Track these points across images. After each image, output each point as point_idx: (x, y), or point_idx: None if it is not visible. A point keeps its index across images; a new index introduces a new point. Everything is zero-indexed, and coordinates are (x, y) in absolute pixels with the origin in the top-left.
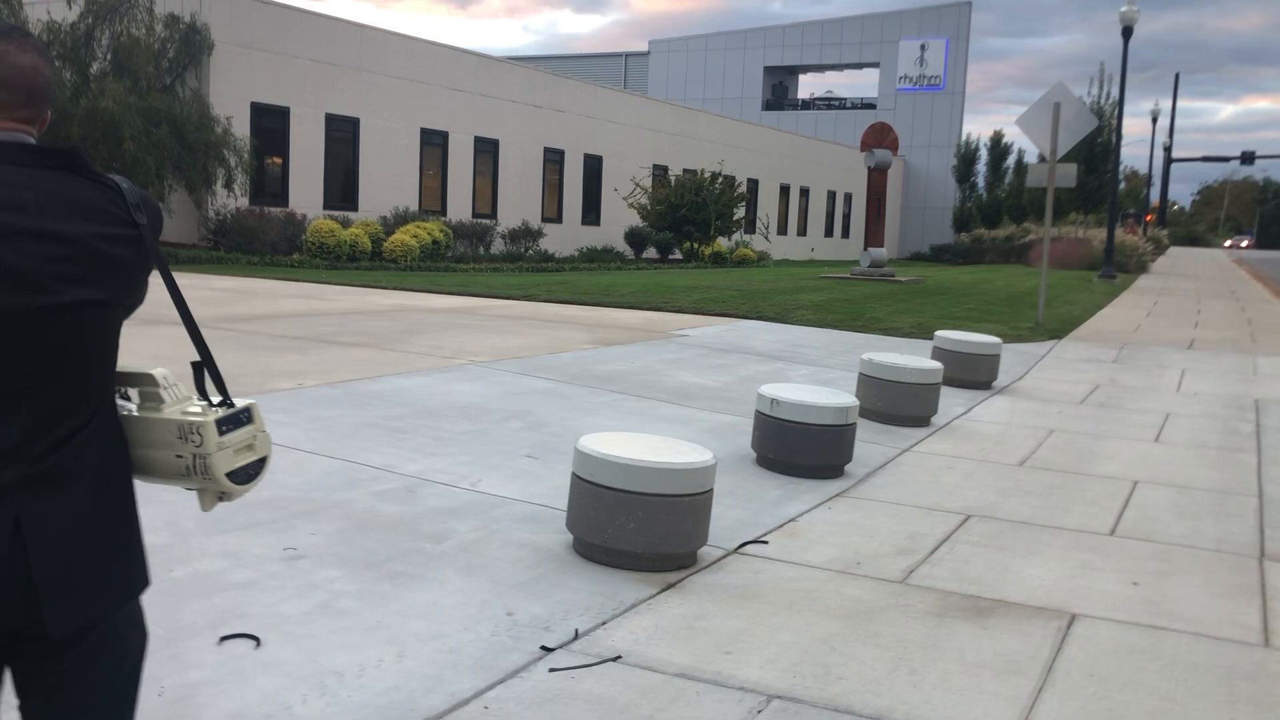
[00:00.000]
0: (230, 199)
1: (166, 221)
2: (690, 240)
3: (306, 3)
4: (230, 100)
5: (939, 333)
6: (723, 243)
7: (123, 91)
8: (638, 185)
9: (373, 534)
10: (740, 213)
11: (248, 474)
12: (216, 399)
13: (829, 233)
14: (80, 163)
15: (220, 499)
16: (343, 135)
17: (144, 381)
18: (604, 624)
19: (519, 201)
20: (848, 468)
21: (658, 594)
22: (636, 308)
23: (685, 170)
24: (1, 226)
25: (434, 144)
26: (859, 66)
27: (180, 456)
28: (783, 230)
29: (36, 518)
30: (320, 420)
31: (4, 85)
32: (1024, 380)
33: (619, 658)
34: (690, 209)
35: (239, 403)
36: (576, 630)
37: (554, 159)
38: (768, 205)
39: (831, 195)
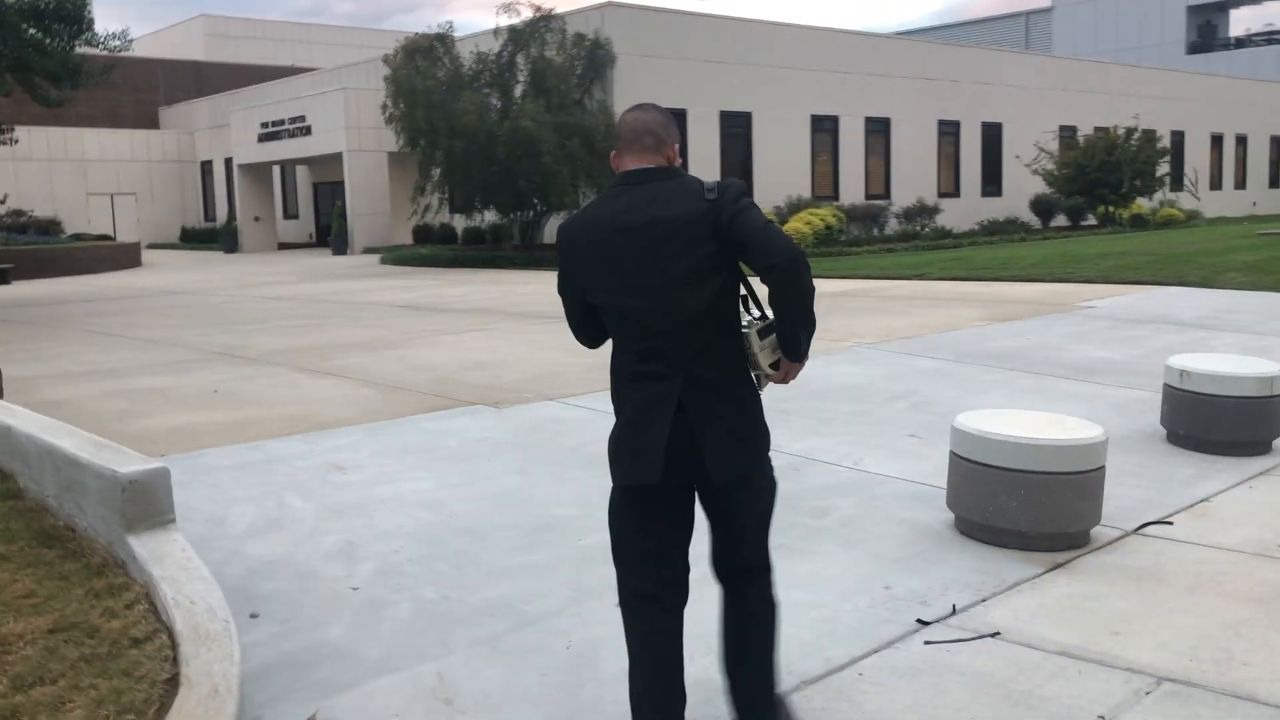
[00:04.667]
0: None
1: None
2: (1104, 204)
3: (698, 4)
4: None
5: None
6: (1143, 204)
7: (539, 110)
8: (1042, 150)
9: None
10: (1162, 169)
11: (776, 366)
12: (757, 314)
13: (1274, 183)
14: (677, 173)
15: (767, 383)
16: (737, 131)
17: None
18: (983, 601)
19: (913, 179)
20: (1276, 443)
21: (1043, 573)
22: (1037, 280)
23: (1096, 129)
24: (634, 225)
25: (824, 129)
26: None
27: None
28: (1216, 185)
29: (693, 402)
30: None
31: (634, 137)
32: None
33: (997, 634)
34: (1102, 169)
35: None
36: (954, 605)
37: (949, 131)
38: (1196, 158)
39: (1275, 141)
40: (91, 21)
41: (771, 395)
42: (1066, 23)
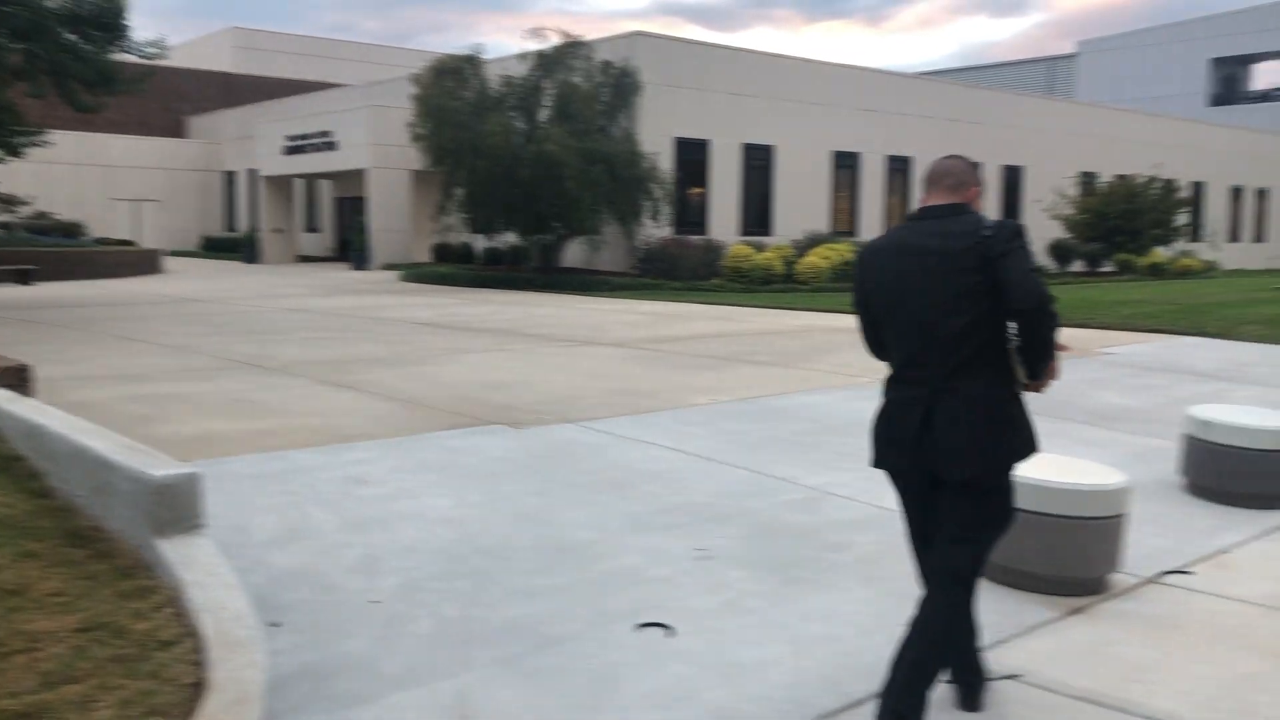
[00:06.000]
0: (656, 229)
1: (600, 252)
2: (1122, 251)
3: (723, 38)
4: (656, 136)
5: None
6: (1161, 253)
7: (564, 135)
8: (1062, 195)
9: (777, 540)
10: (1181, 219)
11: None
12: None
13: None
14: (959, 210)
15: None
16: (758, 163)
17: None
18: (1001, 643)
19: None
20: None
21: (1061, 618)
22: None
23: (1117, 176)
24: (918, 250)
25: (845, 165)
26: None
27: None
28: (1234, 237)
29: (940, 408)
30: (731, 433)
31: (937, 178)
32: None
33: (1016, 676)
34: (1121, 217)
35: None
36: None
37: None
38: (1215, 210)
39: None
40: (129, 29)
41: (791, 428)
42: (1089, 70)
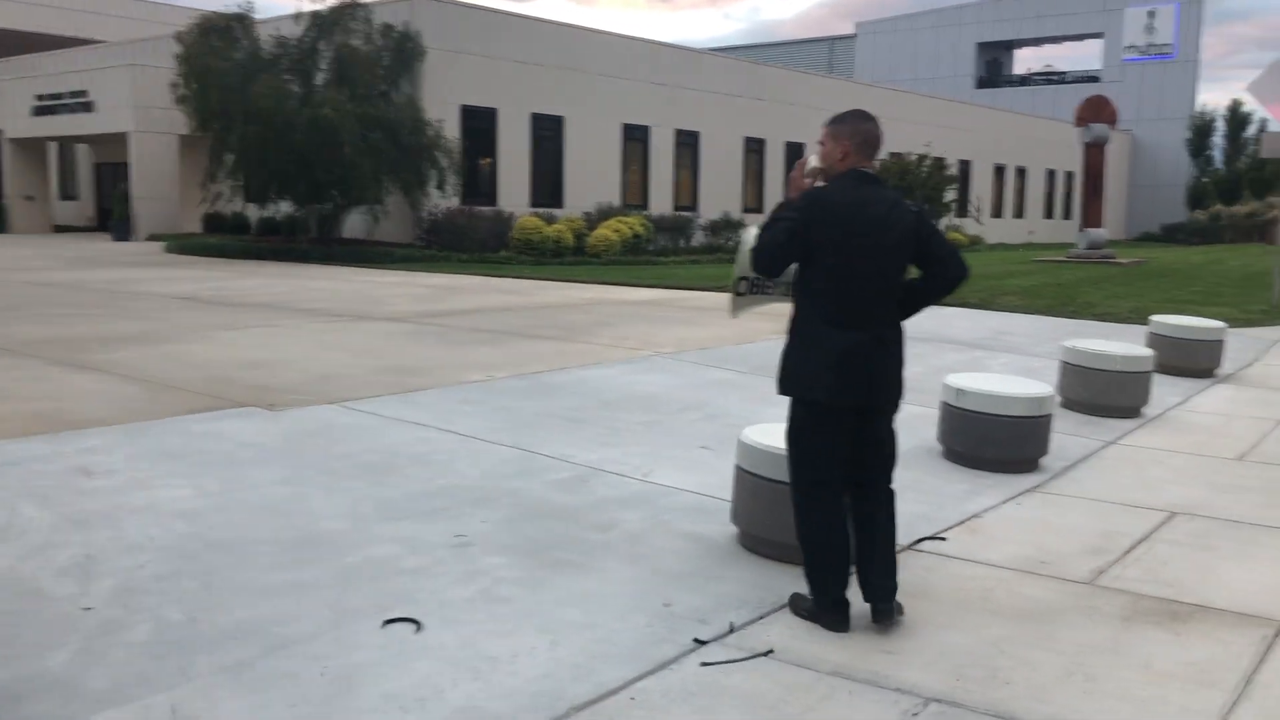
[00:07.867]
0: (442, 199)
1: (383, 223)
2: None
3: (511, 5)
4: (441, 104)
5: (1154, 317)
6: None
7: (342, 100)
8: None
9: (541, 522)
10: (950, 195)
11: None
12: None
13: (1049, 214)
14: (881, 181)
15: None
16: (548, 134)
17: None
18: (761, 618)
19: (720, 193)
20: (1043, 461)
21: None
22: None
23: (892, 154)
24: (877, 217)
25: (635, 138)
26: (1080, 38)
27: None
28: (998, 213)
29: (879, 350)
30: (504, 411)
31: (873, 145)
32: (1252, 368)
33: (771, 652)
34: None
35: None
36: (731, 624)
37: (755, 149)
38: (981, 187)
39: (1051, 174)
40: None
41: (566, 404)
42: (867, 50)
